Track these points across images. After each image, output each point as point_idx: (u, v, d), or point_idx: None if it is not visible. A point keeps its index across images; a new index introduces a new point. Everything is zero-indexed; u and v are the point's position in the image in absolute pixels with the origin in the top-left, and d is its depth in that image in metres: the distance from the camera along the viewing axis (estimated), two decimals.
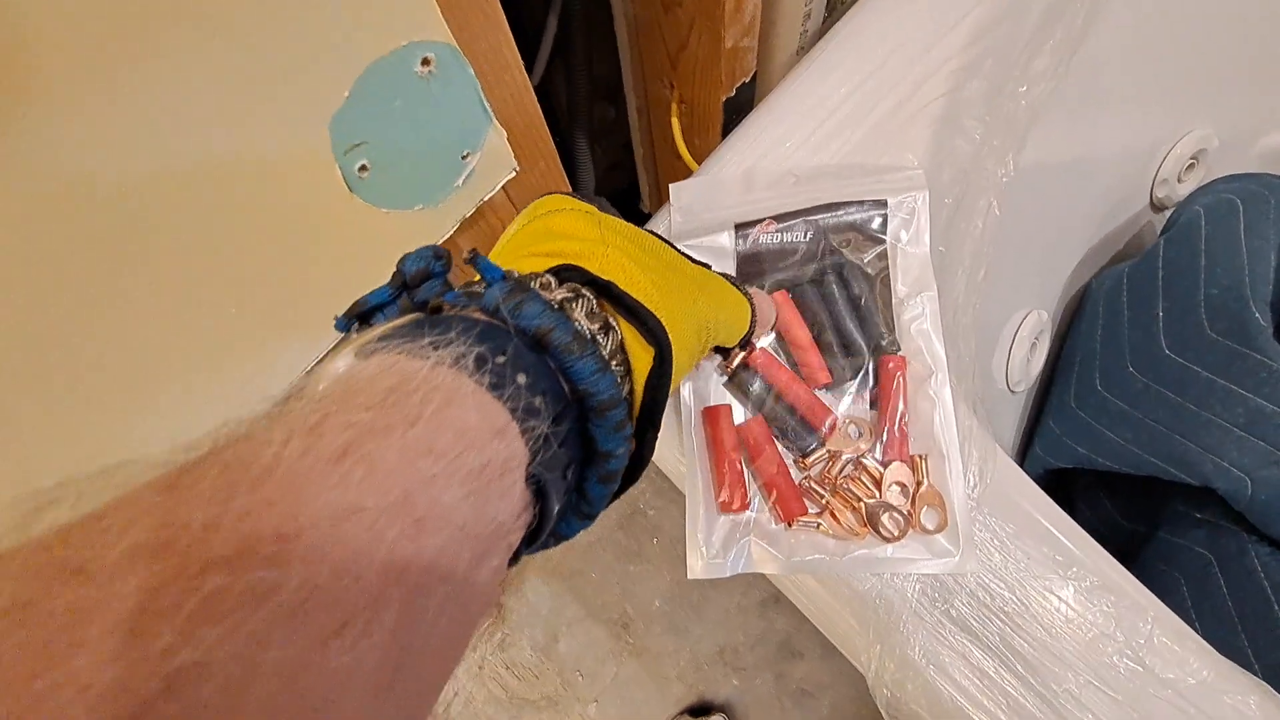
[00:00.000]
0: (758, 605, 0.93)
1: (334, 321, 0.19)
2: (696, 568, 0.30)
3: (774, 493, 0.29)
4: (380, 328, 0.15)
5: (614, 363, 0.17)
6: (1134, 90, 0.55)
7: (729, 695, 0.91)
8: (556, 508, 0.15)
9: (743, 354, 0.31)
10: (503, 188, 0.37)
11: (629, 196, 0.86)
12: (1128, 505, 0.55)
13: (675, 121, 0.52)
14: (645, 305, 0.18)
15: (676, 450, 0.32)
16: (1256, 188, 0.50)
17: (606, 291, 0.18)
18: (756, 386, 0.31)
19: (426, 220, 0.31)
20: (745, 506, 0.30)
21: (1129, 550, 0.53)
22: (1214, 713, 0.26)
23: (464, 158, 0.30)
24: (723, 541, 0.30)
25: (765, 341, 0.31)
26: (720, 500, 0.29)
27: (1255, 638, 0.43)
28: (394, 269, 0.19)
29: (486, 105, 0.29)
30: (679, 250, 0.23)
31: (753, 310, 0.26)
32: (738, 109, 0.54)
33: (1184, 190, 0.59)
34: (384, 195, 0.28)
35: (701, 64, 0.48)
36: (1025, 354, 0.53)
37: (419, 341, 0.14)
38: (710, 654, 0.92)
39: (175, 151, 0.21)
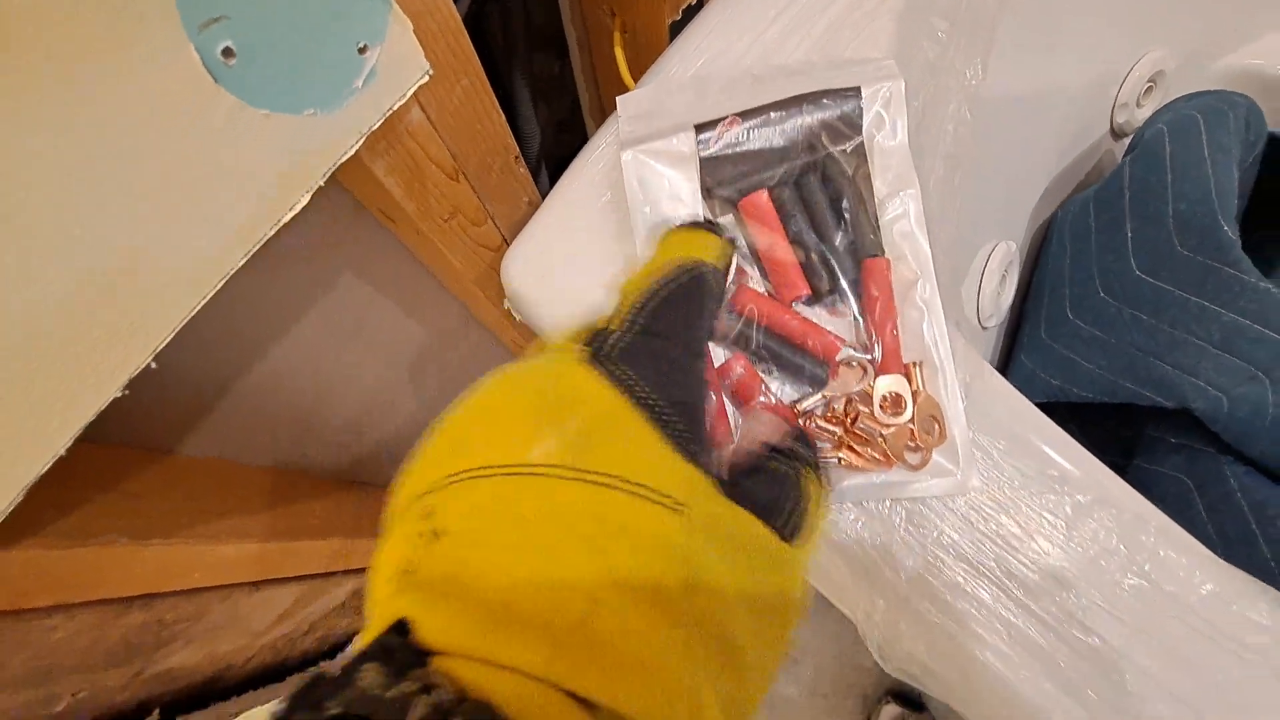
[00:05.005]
0: None
1: None
2: None
3: None
4: None
5: None
6: (1089, 12, 0.53)
7: None
8: None
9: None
10: (421, 107, 0.33)
11: None
12: (1102, 437, 0.54)
13: (619, 51, 0.48)
14: None
15: None
16: (1215, 102, 0.49)
17: None
18: (741, 327, 0.27)
19: (321, 130, 0.26)
20: (729, 438, 0.27)
21: None
22: (1224, 624, 0.24)
23: (361, 51, 0.25)
24: None
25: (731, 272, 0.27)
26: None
27: (1236, 559, 0.42)
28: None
29: None
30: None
31: None
32: None
33: (1143, 115, 0.57)
34: (261, 91, 0.23)
35: None
36: (995, 287, 0.52)
37: None
38: None
39: None
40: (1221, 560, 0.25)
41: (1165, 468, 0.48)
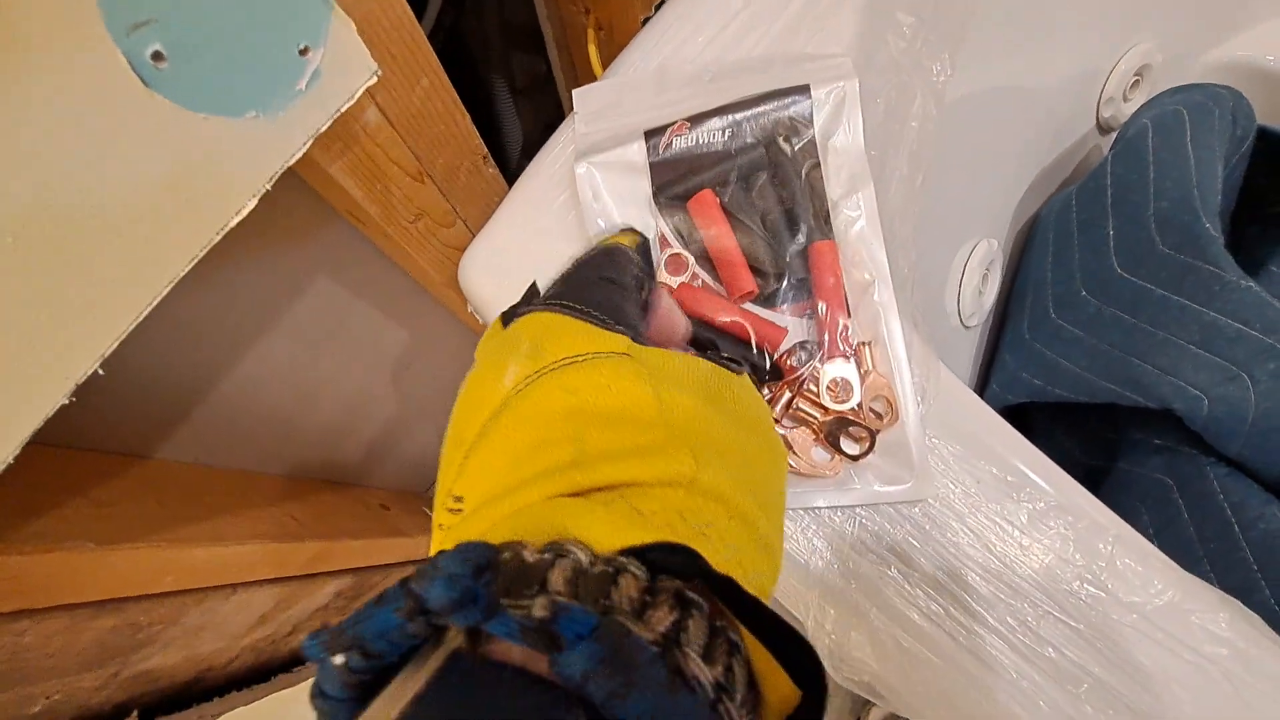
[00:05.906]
0: None
1: (304, 644, 0.13)
2: None
3: None
4: (401, 687, 0.11)
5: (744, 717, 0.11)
6: (1074, 4, 0.52)
7: None
8: None
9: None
10: (378, 108, 0.32)
11: None
12: (1085, 439, 0.53)
13: (593, 49, 0.47)
14: (783, 622, 0.12)
15: None
16: (1201, 98, 0.48)
17: (723, 592, 0.12)
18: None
19: (265, 133, 0.26)
20: None
21: (1088, 485, 0.51)
22: (1182, 634, 0.24)
23: (302, 53, 0.25)
24: None
25: (685, 275, 0.27)
26: None
27: (1216, 559, 0.42)
28: (401, 586, 0.12)
29: None
30: (721, 362, 0.18)
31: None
32: None
33: (1130, 109, 0.56)
34: (196, 94, 0.23)
35: None
36: (977, 285, 0.51)
37: None
38: None
39: None
40: (1180, 569, 0.25)
41: (1147, 469, 0.47)
